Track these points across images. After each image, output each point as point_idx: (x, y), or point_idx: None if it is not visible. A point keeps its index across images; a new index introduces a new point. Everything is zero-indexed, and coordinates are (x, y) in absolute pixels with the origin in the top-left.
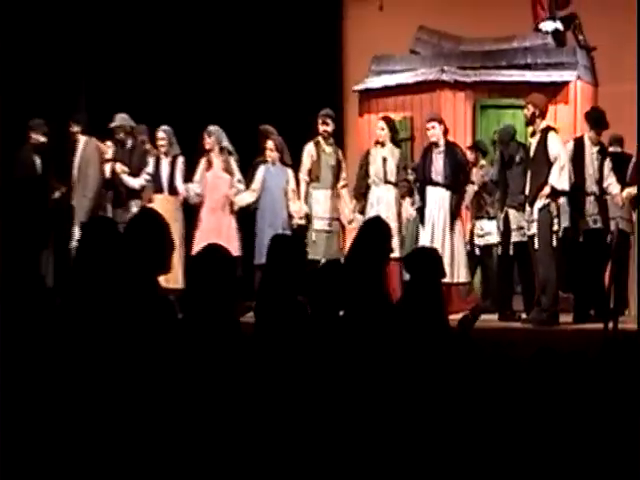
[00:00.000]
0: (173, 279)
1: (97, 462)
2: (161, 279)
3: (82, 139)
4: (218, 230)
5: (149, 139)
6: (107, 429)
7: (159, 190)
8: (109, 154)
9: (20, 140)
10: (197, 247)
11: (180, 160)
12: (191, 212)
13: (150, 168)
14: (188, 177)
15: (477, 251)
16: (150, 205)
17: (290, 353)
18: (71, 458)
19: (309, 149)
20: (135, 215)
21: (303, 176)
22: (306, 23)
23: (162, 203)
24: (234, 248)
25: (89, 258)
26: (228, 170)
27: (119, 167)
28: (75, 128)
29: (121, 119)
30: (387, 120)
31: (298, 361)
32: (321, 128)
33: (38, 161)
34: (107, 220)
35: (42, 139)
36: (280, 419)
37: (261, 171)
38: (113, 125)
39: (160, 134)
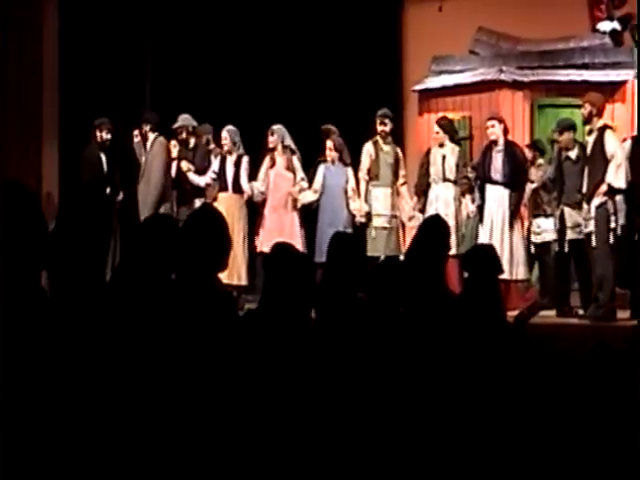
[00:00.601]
0: (237, 276)
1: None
2: (224, 275)
3: (151, 137)
4: (281, 228)
5: (214, 138)
6: (171, 425)
7: (224, 188)
8: (174, 153)
9: (85, 139)
10: (261, 244)
11: (245, 159)
12: (255, 210)
13: (215, 167)
14: (252, 176)
15: (532, 249)
16: (215, 203)
17: (350, 349)
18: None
19: (368, 148)
20: (193, 212)
21: (363, 175)
22: (366, 24)
23: (227, 201)
24: (297, 245)
25: (146, 255)
26: (291, 168)
27: (185, 165)
28: (146, 127)
29: (184, 119)
30: (441, 123)
31: (358, 357)
32: (379, 128)
33: (104, 160)
34: (166, 218)
35: (107, 137)
36: (343, 414)
37: (321, 171)
38: (176, 126)
39: (223, 134)
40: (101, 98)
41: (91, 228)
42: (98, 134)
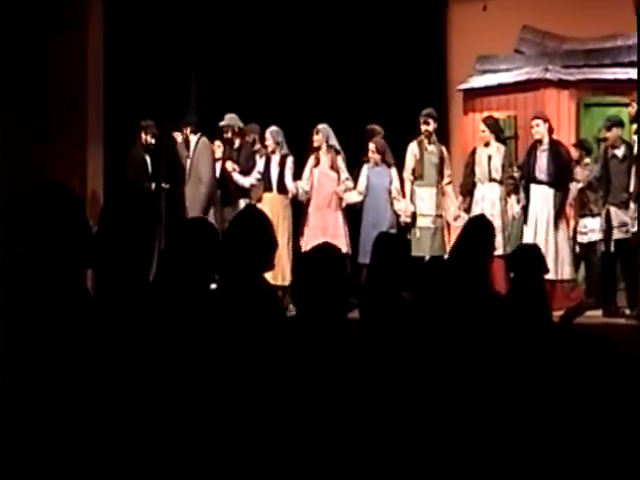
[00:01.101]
0: (281, 276)
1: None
2: (269, 275)
3: (193, 139)
4: (325, 227)
5: (259, 138)
6: (220, 421)
7: (268, 189)
8: (218, 153)
9: (130, 140)
10: (305, 244)
11: (289, 159)
12: (299, 209)
13: (260, 167)
14: (297, 175)
15: (577, 249)
16: (259, 204)
17: (395, 350)
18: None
19: (412, 148)
20: (239, 213)
21: (407, 175)
22: (411, 23)
23: (271, 201)
24: (342, 245)
25: (184, 257)
26: (335, 168)
27: (230, 165)
28: (187, 129)
29: (230, 119)
30: (487, 121)
31: (403, 358)
32: (423, 127)
33: (149, 162)
34: (203, 221)
35: (152, 140)
36: (388, 413)
37: (365, 171)
38: (223, 124)
39: (266, 135)
40: (146, 98)
41: (135, 228)
42: (143, 136)
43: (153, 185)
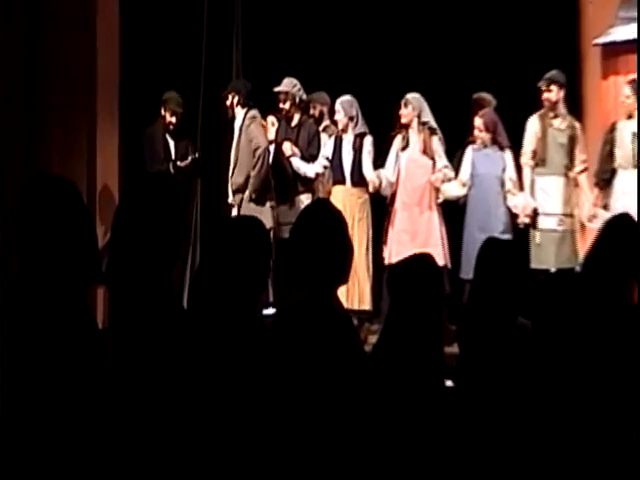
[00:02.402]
0: (357, 297)
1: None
2: (342, 296)
3: (240, 112)
4: (415, 232)
5: (329, 113)
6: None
7: (340, 180)
8: (272, 133)
9: (150, 118)
10: (389, 254)
11: (367, 140)
12: (381, 208)
13: (328, 150)
14: (377, 161)
15: None
16: (327, 198)
17: (507, 395)
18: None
19: (532, 124)
20: (304, 211)
21: (526, 159)
22: None
23: (343, 196)
24: (437, 255)
25: (226, 272)
26: (429, 152)
27: (288, 147)
28: (233, 99)
29: (288, 84)
30: (634, 85)
31: (519, 403)
32: (544, 96)
33: (172, 144)
34: (254, 223)
35: (173, 118)
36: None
37: (469, 156)
38: (278, 89)
39: (336, 107)
40: (174, 68)
41: (160, 234)
42: (163, 112)
43: (179, 176)
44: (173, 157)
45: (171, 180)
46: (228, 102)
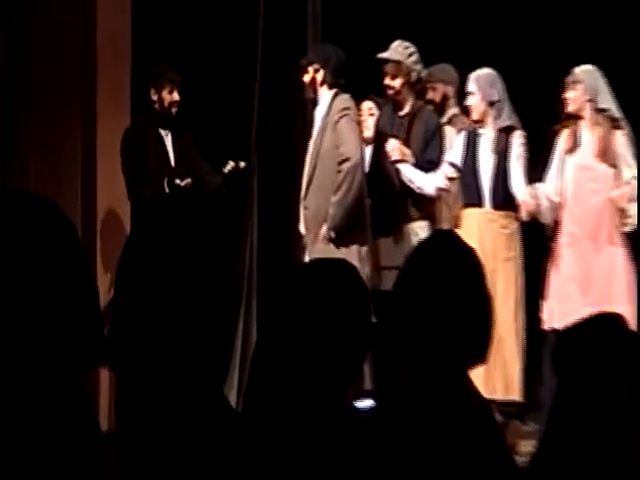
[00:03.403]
0: (502, 382)
1: None
2: (478, 380)
3: (325, 96)
4: (589, 280)
5: (457, 96)
6: None
7: (474, 200)
8: (369, 124)
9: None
10: (551, 317)
11: (518, 138)
12: (537, 241)
13: (457, 154)
14: (533, 172)
15: None
16: (457, 230)
17: None
18: None
19: None
20: (419, 248)
21: None
22: None
23: (480, 225)
24: (626, 314)
25: (300, 348)
26: (610, 155)
27: (395, 148)
28: (315, 75)
29: (400, 50)
30: None
31: None
32: None
33: (169, 142)
34: (339, 266)
35: (173, 93)
36: None
37: None
38: (383, 56)
39: (469, 86)
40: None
41: (185, 291)
42: (154, 94)
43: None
44: (173, 163)
45: (198, 208)
46: (307, 79)
